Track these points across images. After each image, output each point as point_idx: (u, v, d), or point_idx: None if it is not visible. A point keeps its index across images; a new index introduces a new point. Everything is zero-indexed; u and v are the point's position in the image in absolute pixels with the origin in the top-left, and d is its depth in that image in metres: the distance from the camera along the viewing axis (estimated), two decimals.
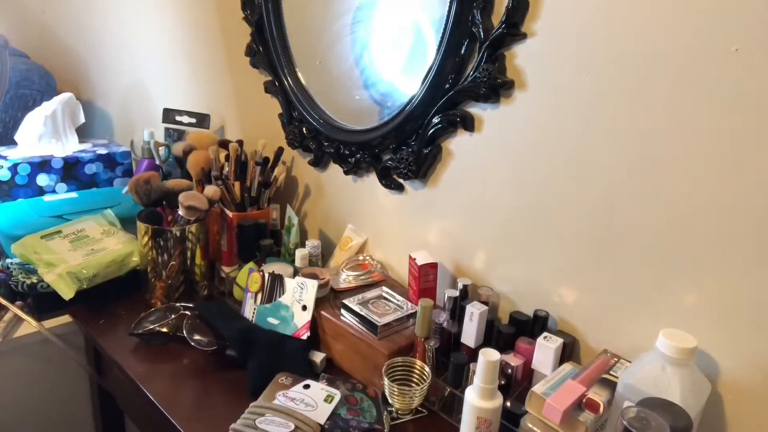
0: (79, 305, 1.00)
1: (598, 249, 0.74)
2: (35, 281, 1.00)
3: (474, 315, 0.77)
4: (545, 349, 0.73)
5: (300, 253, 1.02)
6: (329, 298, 0.93)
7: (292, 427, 0.68)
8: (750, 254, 0.61)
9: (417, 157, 0.92)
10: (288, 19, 1.09)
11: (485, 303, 0.79)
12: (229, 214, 1.08)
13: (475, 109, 0.84)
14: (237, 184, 1.12)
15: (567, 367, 0.72)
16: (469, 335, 0.79)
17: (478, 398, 0.64)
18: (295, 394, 0.76)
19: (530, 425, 0.64)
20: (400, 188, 0.99)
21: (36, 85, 1.48)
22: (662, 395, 0.57)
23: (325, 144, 1.08)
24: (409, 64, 0.91)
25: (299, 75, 1.10)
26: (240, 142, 1.15)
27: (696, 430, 0.60)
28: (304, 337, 0.88)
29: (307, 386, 0.78)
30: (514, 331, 0.79)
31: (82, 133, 1.43)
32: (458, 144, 0.88)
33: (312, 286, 0.89)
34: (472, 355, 0.77)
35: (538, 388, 0.65)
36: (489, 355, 0.62)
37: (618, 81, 0.68)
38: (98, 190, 1.32)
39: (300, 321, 0.89)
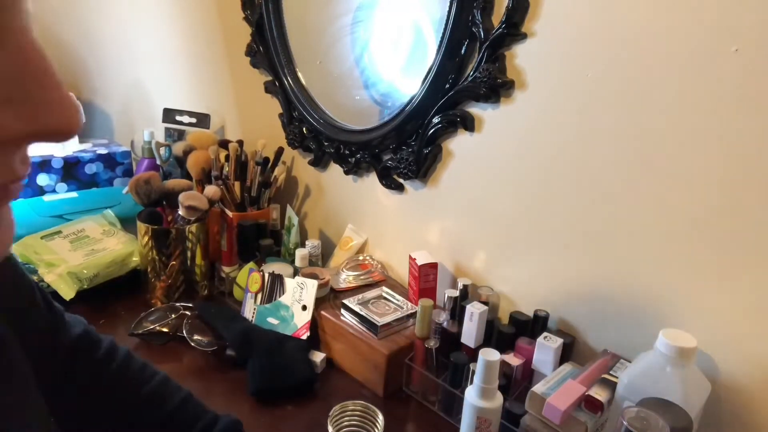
0: (80, 305, 1.00)
1: (599, 249, 0.74)
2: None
3: (474, 315, 0.77)
4: (545, 349, 0.73)
5: (300, 253, 1.02)
6: (329, 298, 0.93)
7: None
8: (750, 254, 0.61)
9: (417, 157, 0.92)
10: (288, 19, 1.08)
11: (485, 303, 0.79)
12: (229, 214, 1.08)
13: (476, 109, 0.84)
14: (237, 184, 1.11)
15: (567, 367, 0.72)
16: (469, 335, 0.78)
17: (478, 398, 0.63)
18: None
19: (530, 425, 0.64)
20: (400, 188, 0.99)
21: None
22: (662, 395, 0.57)
23: (326, 144, 1.08)
24: (409, 64, 0.91)
25: (299, 75, 1.10)
26: (240, 142, 1.15)
27: (696, 430, 0.60)
28: (304, 337, 0.88)
29: None
30: (514, 331, 0.79)
31: (82, 133, 1.42)
32: (458, 144, 0.88)
33: (312, 286, 0.89)
34: (472, 355, 0.77)
35: (538, 388, 0.65)
36: (489, 355, 0.62)
37: (618, 81, 0.68)
38: (98, 190, 1.32)
39: (300, 321, 0.89)
